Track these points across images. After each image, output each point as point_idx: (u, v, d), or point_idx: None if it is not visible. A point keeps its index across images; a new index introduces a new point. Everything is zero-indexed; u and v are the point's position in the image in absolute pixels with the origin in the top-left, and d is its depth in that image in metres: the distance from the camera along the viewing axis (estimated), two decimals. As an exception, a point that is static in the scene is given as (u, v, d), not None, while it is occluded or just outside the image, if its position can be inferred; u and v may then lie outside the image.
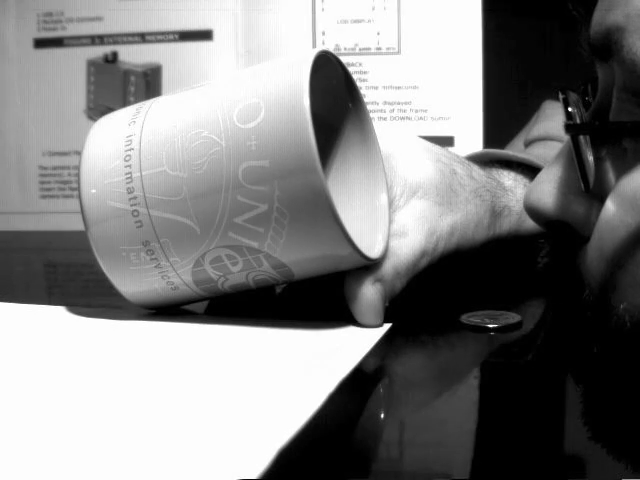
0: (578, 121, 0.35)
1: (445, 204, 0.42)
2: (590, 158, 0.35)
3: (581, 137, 0.34)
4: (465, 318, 0.40)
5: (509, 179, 0.50)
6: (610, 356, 0.35)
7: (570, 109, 0.35)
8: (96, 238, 0.39)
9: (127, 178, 0.38)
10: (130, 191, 0.38)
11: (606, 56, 0.34)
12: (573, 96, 0.36)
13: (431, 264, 0.42)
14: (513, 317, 0.40)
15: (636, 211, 0.33)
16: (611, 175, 0.35)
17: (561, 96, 0.36)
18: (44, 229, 0.80)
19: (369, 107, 0.43)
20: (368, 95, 0.73)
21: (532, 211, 0.37)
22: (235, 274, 0.38)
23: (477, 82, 0.72)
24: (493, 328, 0.39)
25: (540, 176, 0.37)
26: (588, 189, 0.35)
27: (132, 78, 0.79)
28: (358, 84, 0.42)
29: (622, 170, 0.34)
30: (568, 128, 0.34)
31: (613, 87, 0.35)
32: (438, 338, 0.41)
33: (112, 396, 0.30)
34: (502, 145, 0.62)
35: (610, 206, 0.34)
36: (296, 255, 0.37)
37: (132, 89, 0.79)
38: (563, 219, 0.36)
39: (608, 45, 0.33)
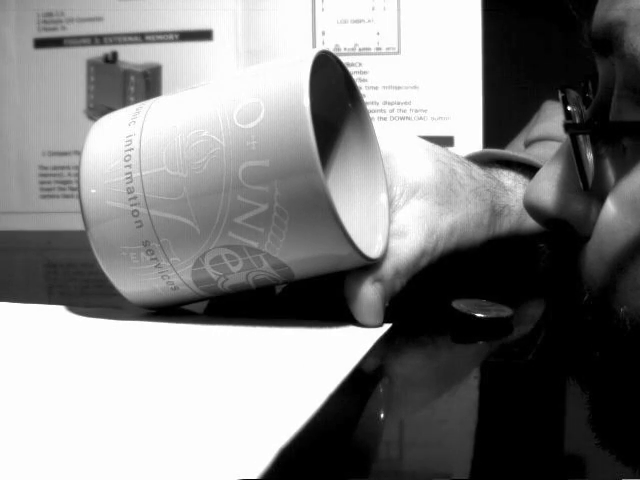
0: (577, 120, 0.35)
1: (445, 204, 0.42)
2: (589, 157, 0.35)
3: (580, 136, 0.34)
4: (456, 304, 0.39)
5: (509, 179, 0.50)
6: (610, 359, 0.35)
7: (569, 108, 0.35)
8: (96, 238, 0.39)
9: (127, 178, 0.38)
10: (130, 191, 0.38)
11: (607, 51, 0.34)
12: (573, 94, 0.36)
13: (431, 264, 0.42)
14: (505, 310, 0.40)
15: (636, 214, 0.33)
16: (610, 174, 0.35)
17: (560, 94, 0.35)
18: (44, 229, 0.80)
19: (369, 107, 0.43)
20: (368, 95, 0.73)
21: (531, 209, 0.37)
22: (235, 274, 0.38)
23: (477, 82, 0.72)
24: (480, 318, 0.39)
25: (540, 174, 0.37)
26: (587, 187, 0.35)
27: (132, 78, 0.79)
28: (358, 84, 0.42)
29: (621, 169, 0.34)
30: (567, 127, 0.34)
31: (613, 84, 0.35)
32: (438, 338, 0.41)
33: (112, 396, 0.30)
34: (502, 145, 0.62)
35: (610, 208, 0.34)
36: (296, 255, 0.37)
37: (132, 89, 0.79)
38: (562, 217, 0.36)
39: (609, 40, 0.33)
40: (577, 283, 0.36)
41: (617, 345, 0.34)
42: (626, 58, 0.33)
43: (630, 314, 0.33)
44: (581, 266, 0.36)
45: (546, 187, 0.36)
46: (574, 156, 0.34)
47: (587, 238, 0.36)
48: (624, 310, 0.33)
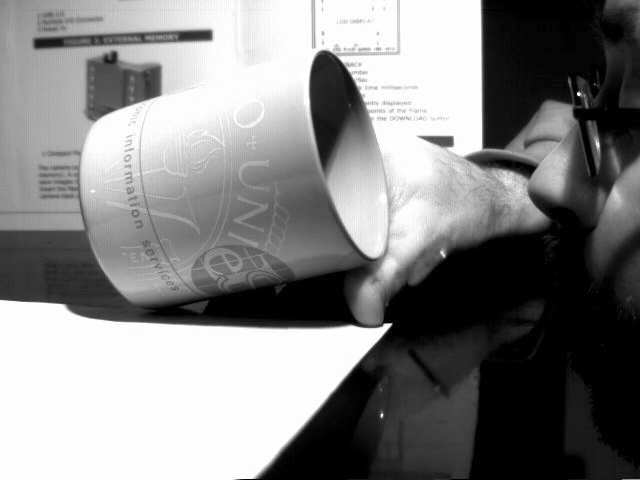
0: (587, 106, 0.35)
1: (444, 204, 0.42)
2: (597, 144, 0.34)
3: (589, 123, 0.34)
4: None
5: (508, 178, 0.50)
6: (615, 352, 0.34)
7: (579, 94, 0.35)
8: (96, 238, 0.39)
9: (127, 178, 0.38)
10: (130, 191, 0.38)
11: (617, 36, 0.34)
12: (581, 81, 0.36)
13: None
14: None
15: None
16: (616, 163, 0.35)
17: (569, 81, 0.35)
18: (44, 229, 0.80)
19: (369, 107, 0.44)
20: (367, 95, 0.73)
21: (536, 197, 0.37)
22: (235, 274, 0.38)
23: (476, 82, 0.72)
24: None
25: (545, 162, 0.37)
26: (594, 174, 0.34)
27: (132, 78, 0.79)
28: (358, 84, 0.42)
29: (628, 158, 0.34)
30: (577, 113, 0.34)
31: (621, 72, 0.34)
32: (438, 338, 0.41)
33: (111, 396, 0.30)
34: (502, 145, 0.62)
35: (617, 198, 0.34)
36: (296, 255, 0.37)
37: (132, 89, 0.79)
38: (567, 206, 0.36)
39: (620, 25, 0.33)
40: (582, 273, 0.36)
41: (622, 336, 0.34)
42: (636, 44, 0.33)
43: (636, 304, 0.33)
44: (586, 256, 0.36)
45: (551, 175, 0.36)
46: (582, 142, 0.34)
47: (591, 228, 0.36)
48: (630, 300, 0.33)
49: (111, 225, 0.38)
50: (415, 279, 0.40)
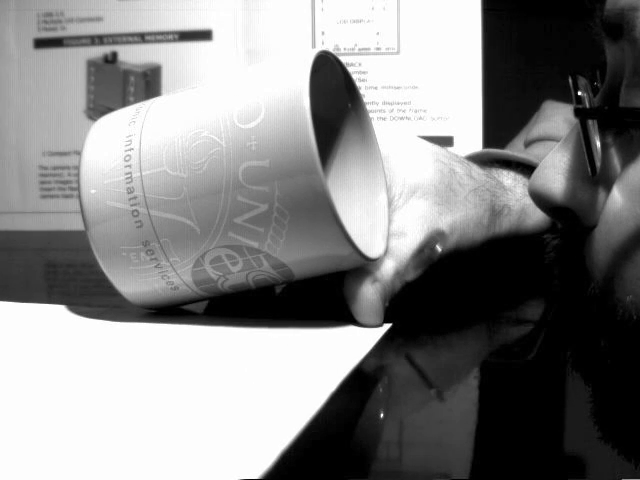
0: (587, 105, 0.35)
1: (444, 204, 0.42)
2: (597, 143, 0.34)
3: (589, 122, 0.34)
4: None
5: (508, 178, 0.50)
6: (615, 351, 0.34)
7: (580, 93, 0.35)
8: (96, 238, 0.39)
9: (127, 178, 0.38)
10: (130, 191, 0.38)
11: (617, 35, 0.34)
12: (582, 81, 0.36)
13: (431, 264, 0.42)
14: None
15: None
16: (616, 162, 0.35)
17: (570, 80, 0.35)
18: (44, 229, 0.80)
19: (368, 107, 0.43)
20: (367, 95, 0.73)
21: (536, 196, 0.37)
22: (235, 274, 0.38)
23: (477, 82, 0.72)
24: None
25: (546, 161, 0.37)
26: (595, 173, 0.34)
27: (132, 78, 0.79)
28: (357, 84, 0.42)
29: (628, 157, 0.34)
30: (577, 112, 0.34)
31: (622, 71, 0.34)
32: (438, 338, 0.41)
33: (112, 397, 0.30)
34: (502, 145, 0.62)
35: (618, 197, 0.34)
36: (296, 255, 0.37)
37: (132, 89, 0.79)
38: (567, 206, 0.36)
39: (620, 24, 0.33)
40: (582, 272, 0.36)
41: (622, 336, 0.34)
42: (637, 43, 0.33)
43: (636, 303, 0.33)
44: (586, 255, 0.36)
45: (551, 174, 0.36)
46: (583, 141, 0.34)
47: (591, 228, 0.36)
48: (630, 299, 0.33)
49: (111, 225, 0.38)
50: (410, 275, 0.40)
